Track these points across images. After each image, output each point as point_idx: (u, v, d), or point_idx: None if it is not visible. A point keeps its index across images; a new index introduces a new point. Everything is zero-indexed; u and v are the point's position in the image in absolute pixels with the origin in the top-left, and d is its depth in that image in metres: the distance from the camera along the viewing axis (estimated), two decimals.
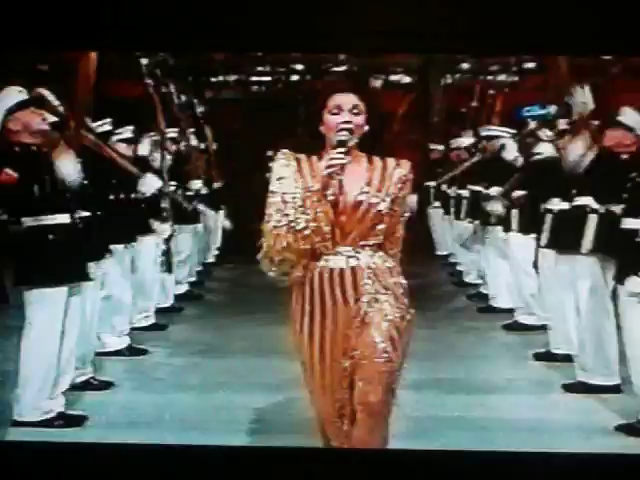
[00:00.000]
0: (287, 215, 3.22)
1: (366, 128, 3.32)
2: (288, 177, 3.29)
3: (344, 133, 3.23)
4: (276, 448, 3.00)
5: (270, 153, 10.25)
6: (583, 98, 5.38)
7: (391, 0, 3.70)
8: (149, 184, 6.79)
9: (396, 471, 3.06)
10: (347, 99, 3.31)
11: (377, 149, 3.39)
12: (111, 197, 6.30)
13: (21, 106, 4.87)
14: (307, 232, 3.22)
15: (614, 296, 5.26)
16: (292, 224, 3.21)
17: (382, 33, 3.70)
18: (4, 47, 4.11)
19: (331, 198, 3.23)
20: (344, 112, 3.28)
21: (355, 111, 3.29)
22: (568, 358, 6.10)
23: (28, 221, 4.85)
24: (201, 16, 3.54)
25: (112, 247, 5.91)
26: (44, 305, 4.88)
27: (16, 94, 4.91)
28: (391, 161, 3.39)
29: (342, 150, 3.21)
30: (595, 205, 5.55)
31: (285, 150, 3.37)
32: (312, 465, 2.98)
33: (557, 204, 5.99)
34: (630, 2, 3.47)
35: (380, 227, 3.32)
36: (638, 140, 5.49)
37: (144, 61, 8.52)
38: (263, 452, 3.07)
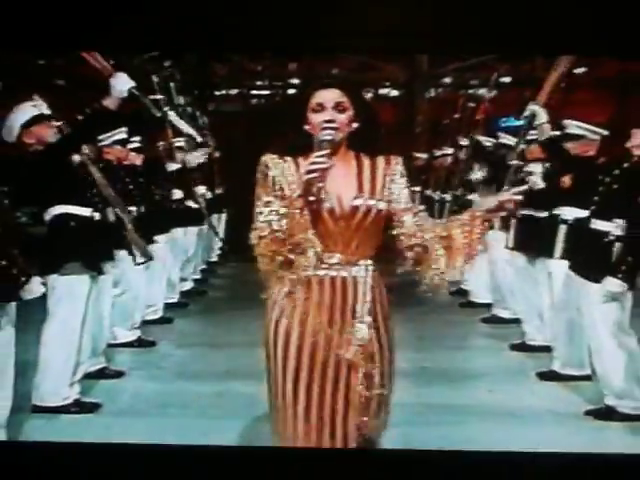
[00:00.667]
0: (270, 223, 2.71)
1: (354, 125, 2.86)
2: (272, 180, 2.84)
3: (327, 132, 2.77)
4: (276, 448, 2.72)
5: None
6: (541, 118, 5.36)
7: (391, 0, 3.35)
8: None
9: (394, 471, 2.89)
10: (330, 95, 2.84)
11: (371, 147, 2.93)
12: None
13: (35, 121, 4.80)
14: (279, 235, 2.70)
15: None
16: (276, 233, 2.71)
17: (382, 33, 3.34)
18: (8, 48, 3.96)
19: (314, 205, 2.76)
20: (327, 110, 2.82)
21: (339, 108, 2.83)
22: (541, 349, 6.13)
23: (53, 210, 4.88)
24: (201, 16, 3.22)
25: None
26: (68, 295, 4.86)
27: (30, 109, 4.87)
28: (380, 159, 2.94)
29: (323, 153, 2.72)
30: (566, 215, 5.56)
31: (271, 155, 2.89)
32: (312, 465, 2.78)
33: (529, 211, 6.02)
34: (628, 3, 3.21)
35: (380, 231, 2.90)
36: (593, 144, 5.52)
37: (155, 78, 8.54)
38: (263, 452, 2.87)
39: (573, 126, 5.51)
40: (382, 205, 2.87)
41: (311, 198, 2.73)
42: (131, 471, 2.76)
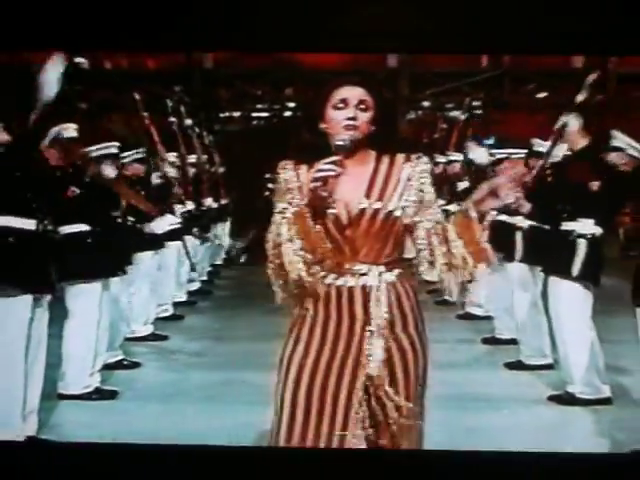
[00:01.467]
0: (280, 235, 2.38)
1: (372, 128, 2.43)
2: (285, 191, 2.47)
3: (345, 133, 2.37)
4: (275, 448, 2.49)
5: (268, 175, 10.30)
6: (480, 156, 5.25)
7: (391, 0, 3.00)
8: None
9: (393, 471, 2.61)
10: (354, 92, 2.41)
11: (389, 148, 2.49)
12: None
13: (69, 141, 4.55)
14: (305, 252, 2.35)
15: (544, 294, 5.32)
16: (287, 242, 2.36)
17: (382, 33, 2.98)
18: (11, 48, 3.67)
19: (329, 212, 2.37)
20: (350, 107, 2.40)
21: (362, 106, 2.40)
22: (509, 342, 6.16)
23: (65, 229, 4.74)
24: (200, 16, 2.89)
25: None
26: (83, 298, 4.88)
27: (72, 131, 4.74)
28: (400, 157, 2.48)
29: (333, 160, 2.32)
30: (521, 222, 5.58)
31: (286, 161, 2.51)
32: (312, 465, 2.51)
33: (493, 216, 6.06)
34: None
35: (395, 235, 2.45)
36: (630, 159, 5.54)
37: (169, 102, 8.58)
38: (263, 452, 2.61)
39: (618, 138, 5.10)
40: (392, 206, 2.42)
41: (322, 206, 2.35)
42: (131, 471, 2.62)
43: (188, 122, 9.19)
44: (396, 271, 2.46)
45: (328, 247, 2.37)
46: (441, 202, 6.75)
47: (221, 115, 14.65)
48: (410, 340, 2.47)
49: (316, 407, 2.41)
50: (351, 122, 2.39)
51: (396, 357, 2.44)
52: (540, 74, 6.46)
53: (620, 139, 4.84)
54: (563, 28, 2.84)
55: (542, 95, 6.26)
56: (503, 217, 5.74)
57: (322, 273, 2.40)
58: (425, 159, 2.49)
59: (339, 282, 2.42)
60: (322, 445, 2.40)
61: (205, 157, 9.75)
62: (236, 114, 14.75)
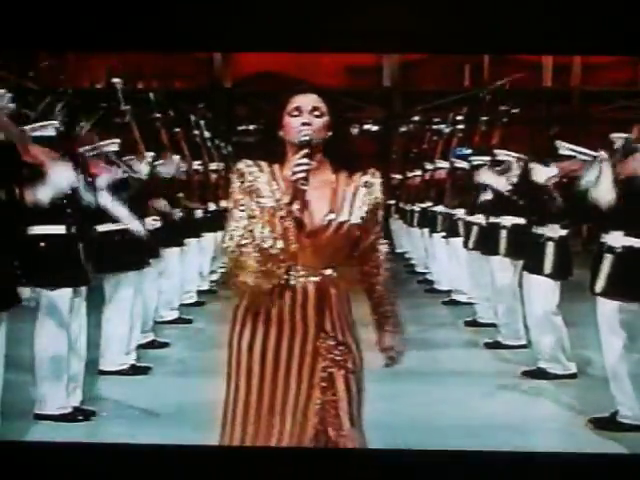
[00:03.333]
0: (252, 232, 2.15)
1: (329, 134, 2.22)
2: (255, 188, 2.20)
3: (304, 132, 2.16)
4: (274, 448, 2.24)
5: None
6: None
7: (391, 0, 2.73)
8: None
9: (393, 471, 2.39)
10: (307, 100, 2.22)
11: (343, 155, 2.27)
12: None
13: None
14: (274, 251, 2.13)
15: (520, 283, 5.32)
16: (260, 242, 2.13)
17: (382, 33, 2.71)
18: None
19: (297, 213, 2.14)
20: (304, 113, 2.20)
21: (316, 113, 2.20)
22: (489, 325, 6.16)
23: (101, 227, 4.73)
24: (199, 16, 2.62)
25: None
26: (118, 287, 4.88)
27: (115, 145, 4.69)
28: (356, 172, 2.28)
29: (306, 152, 2.12)
30: (505, 222, 5.54)
31: (246, 160, 2.26)
32: (308, 465, 2.26)
33: (479, 219, 6.05)
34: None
35: (348, 242, 2.25)
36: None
37: (192, 117, 8.58)
38: (263, 452, 2.29)
39: (563, 147, 4.94)
40: (354, 220, 2.22)
41: (295, 205, 2.13)
42: (131, 471, 2.38)
43: (207, 134, 9.18)
44: (338, 272, 2.26)
45: (296, 249, 2.16)
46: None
47: (239, 128, 14.66)
48: (355, 340, 2.26)
49: (268, 407, 2.20)
50: (305, 127, 2.17)
51: (348, 358, 2.23)
52: (515, 92, 6.45)
53: (565, 147, 4.79)
54: (560, 28, 2.63)
55: (516, 111, 6.24)
56: (491, 218, 5.75)
57: (279, 272, 2.17)
58: (378, 174, 2.30)
59: (292, 281, 2.19)
60: (284, 443, 2.19)
61: (223, 164, 9.72)
62: (251, 127, 14.77)
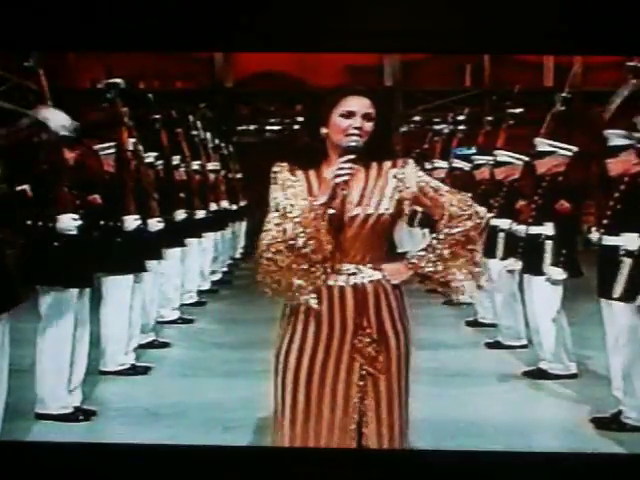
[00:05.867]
0: (285, 231, 2.14)
1: (371, 138, 2.22)
2: (293, 190, 2.23)
3: (355, 139, 2.16)
4: (275, 448, 2.28)
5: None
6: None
7: (391, 0, 2.66)
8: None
9: (393, 471, 2.36)
10: (361, 103, 2.19)
11: (384, 155, 2.28)
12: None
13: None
14: (307, 249, 2.12)
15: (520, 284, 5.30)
16: (291, 241, 2.13)
17: (382, 33, 2.61)
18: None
19: (332, 212, 2.14)
20: (356, 117, 2.18)
21: (367, 117, 2.19)
22: (490, 325, 6.16)
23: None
24: (199, 16, 2.56)
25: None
26: (116, 287, 4.86)
27: (129, 145, 4.70)
28: (387, 163, 2.27)
29: (351, 158, 2.13)
30: (503, 225, 5.52)
31: (281, 163, 2.28)
32: (312, 465, 2.26)
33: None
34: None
35: (382, 236, 2.25)
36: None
37: (191, 117, 8.58)
38: (262, 452, 2.40)
39: (543, 144, 4.91)
40: (383, 209, 2.20)
41: (333, 207, 2.12)
42: (131, 471, 2.36)
43: (207, 135, 9.18)
44: (381, 271, 2.25)
45: (331, 248, 2.15)
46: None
47: (239, 128, 14.66)
48: (397, 337, 2.27)
49: (316, 406, 2.20)
50: (357, 131, 2.17)
51: (384, 355, 2.23)
52: (516, 92, 6.45)
53: (544, 144, 4.78)
54: (560, 28, 2.55)
55: (518, 111, 6.24)
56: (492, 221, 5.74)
57: (317, 273, 2.16)
58: (411, 161, 2.29)
59: (330, 282, 2.19)
60: (322, 443, 2.20)
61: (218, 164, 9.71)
62: (251, 127, 14.78)
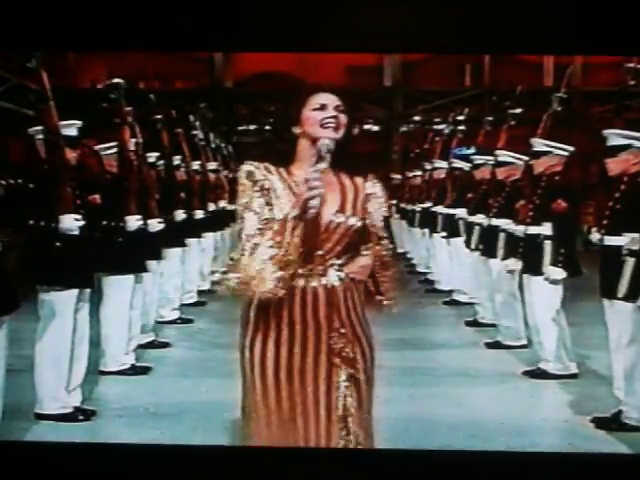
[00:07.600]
0: (263, 236, 2.12)
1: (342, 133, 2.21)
2: (267, 188, 2.19)
3: (331, 127, 2.15)
4: (275, 448, 2.23)
5: None
6: None
7: (391, 0, 2.61)
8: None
9: (393, 471, 2.32)
10: (331, 98, 2.20)
11: (348, 159, 2.26)
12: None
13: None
14: (291, 257, 2.08)
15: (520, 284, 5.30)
16: (275, 251, 2.09)
17: (382, 33, 2.57)
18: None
19: (309, 216, 2.10)
20: (329, 109, 2.19)
21: (340, 109, 2.19)
22: (489, 325, 6.15)
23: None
24: (199, 16, 2.52)
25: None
26: (116, 287, 4.85)
27: (132, 144, 4.69)
28: (358, 178, 2.29)
29: (322, 166, 2.09)
30: (505, 225, 5.48)
31: (251, 161, 2.24)
32: (310, 465, 2.22)
33: (481, 219, 6.04)
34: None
35: (349, 243, 2.22)
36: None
37: (192, 117, 8.58)
38: (263, 452, 2.27)
39: (539, 144, 4.91)
40: (360, 222, 2.23)
41: (308, 214, 2.08)
42: (131, 471, 2.34)
43: (207, 135, 9.19)
44: (345, 270, 2.24)
45: (301, 255, 2.11)
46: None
47: (239, 128, 14.68)
48: (366, 336, 2.27)
49: (299, 408, 2.19)
50: (333, 121, 2.17)
51: (359, 355, 2.23)
52: (515, 92, 6.45)
53: (540, 144, 4.78)
54: (560, 28, 2.54)
55: (517, 111, 6.24)
56: (493, 220, 5.74)
57: (291, 275, 2.13)
58: (379, 184, 2.31)
59: (301, 283, 2.19)
60: (312, 444, 2.19)
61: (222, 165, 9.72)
62: (252, 127, 14.79)
